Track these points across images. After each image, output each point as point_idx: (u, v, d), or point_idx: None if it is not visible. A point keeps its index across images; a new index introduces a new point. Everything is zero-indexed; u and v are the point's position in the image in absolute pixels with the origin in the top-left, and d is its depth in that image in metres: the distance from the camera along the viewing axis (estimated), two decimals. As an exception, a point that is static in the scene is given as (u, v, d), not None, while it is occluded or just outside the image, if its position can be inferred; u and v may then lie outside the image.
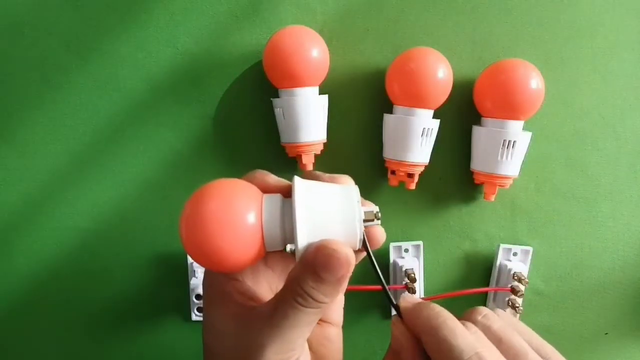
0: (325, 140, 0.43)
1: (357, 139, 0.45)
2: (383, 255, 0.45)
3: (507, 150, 0.41)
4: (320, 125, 0.42)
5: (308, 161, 0.43)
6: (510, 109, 0.40)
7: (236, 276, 0.29)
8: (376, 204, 0.46)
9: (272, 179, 0.28)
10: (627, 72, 0.44)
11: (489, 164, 0.42)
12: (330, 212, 0.25)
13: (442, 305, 0.46)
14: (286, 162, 0.45)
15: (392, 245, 0.45)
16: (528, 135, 0.41)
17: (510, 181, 0.42)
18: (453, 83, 0.41)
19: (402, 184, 0.43)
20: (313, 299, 0.25)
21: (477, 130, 0.42)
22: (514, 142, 0.40)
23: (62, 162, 0.44)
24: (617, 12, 0.43)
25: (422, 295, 0.46)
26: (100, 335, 0.47)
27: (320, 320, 0.30)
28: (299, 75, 0.40)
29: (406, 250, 0.45)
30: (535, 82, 0.40)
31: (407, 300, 0.28)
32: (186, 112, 0.44)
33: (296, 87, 0.40)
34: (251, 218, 0.24)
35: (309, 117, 0.41)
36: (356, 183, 0.45)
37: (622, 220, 0.46)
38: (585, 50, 0.44)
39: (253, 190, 0.26)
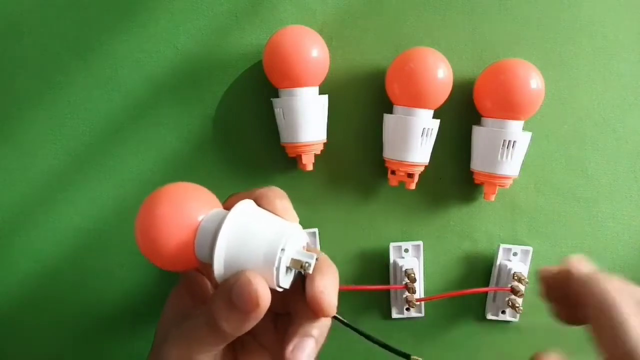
0: (325, 140, 0.43)
1: (357, 139, 0.45)
2: (383, 255, 0.45)
3: (507, 150, 0.41)
4: (320, 125, 0.42)
5: (308, 161, 0.43)
6: (510, 109, 0.40)
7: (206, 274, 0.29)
8: (376, 204, 0.47)
9: (275, 203, 0.27)
10: (627, 72, 0.44)
11: (489, 164, 0.42)
12: (257, 247, 0.25)
13: (442, 305, 0.47)
14: (286, 162, 0.45)
15: (392, 245, 0.45)
16: (528, 135, 0.41)
17: (510, 181, 0.42)
18: (453, 83, 0.41)
19: (402, 184, 0.43)
20: (217, 322, 0.24)
21: (477, 130, 0.42)
22: (514, 142, 0.40)
23: (62, 162, 0.44)
24: (617, 12, 0.43)
25: (422, 295, 0.46)
26: (100, 335, 0.47)
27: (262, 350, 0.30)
28: (299, 75, 0.40)
29: (406, 250, 0.45)
30: (535, 82, 0.40)
31: (581, 264, 0.26)
32: (186, 112, 0.44)
33: (296, 87, 0.40)
34: (186, 227, 0.26)
35: (309, 117, 0.41)
36: (356, 183, 0.45)
37: (622, 220, 0.46)
38: (585, 50, 0.44)
39: (206, 200, 0.27)
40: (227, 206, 0.27)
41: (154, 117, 0.44)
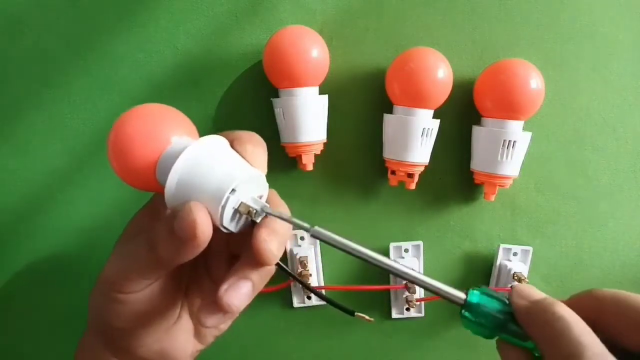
0: (325, 140, 0.43)
1: (357, 139, 0.45)
2: (383, 255, 0.45)
3: (507, 150, 0.41)
4: (320, 125, 0.42)
5: (308, 161, 0.42)
6: (510, 109, 0.40)
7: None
8: (376, 204, 0.47)
9: (245, 147, 0.27)
10: (627, 72, 0.44)
11: (489, 164, 0.42)
12: (209, 182, 0.24)
13: (441, 305, 0.47)
14: (286, 162, 0.45)
15: (392, 245, 0.45)
16: (528, 135, 0.41)
17: (510, 181, 0.42)
18: (453, 83, 0.41)
19: (402, 184, 0.43)
20: (155, 246, 0.25)
21: (477, 130, 0.42)
22: (514, 142, 0.40)
23: (62, 162, 0.44)
24: (617, 12, 0.43)
25: (422, 295, 0.46)
26: (100, 335, 0.47)
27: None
28: (299, 75, 0.40)
29: (406, 250, 0.45)
30: (535, 82, 0.40)
31: (521, 294, 0.24)
32: (186, 112, 0.44)
33: (296, 87, 0.40)
34: (155, 147, 0.26)
35: (309, 117, 0.41)
36: (356, 183, 0.45)
37: (622, 220, 0.45)
38: (585, 50, 0.44)
39: (180, 125, 0.27)
40: None
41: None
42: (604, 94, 0.44)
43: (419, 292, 0.45)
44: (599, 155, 0.45)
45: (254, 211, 0.25)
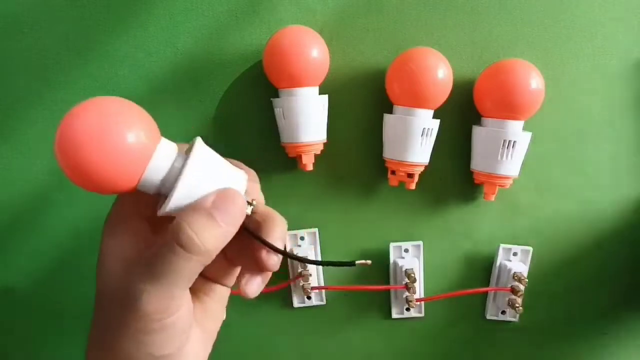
0: (325, 140, 0.43)
1: (357, 139, 0.45)
2: (383, 255, 0.45)
3: (507, 150, 0.41)
4: (320, 125, 0.42)
5: (308, 161, 0.42)
6: (510, 109, 0.40)
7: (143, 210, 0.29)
8: (376, 204, 0.47)
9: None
10: (627, 72, 0.44)
11: (489, 164, 0.42)
12: (212, 187, 0.26)
13: (442, 305, 0.47)
14: (286, 162, 0.45)
15: (392, 245, 0.45)
16: (528, 135, 0.41)
17: (510, 181, 0.42)
18: (453, 83, 0.41)
19: (402, 184, 0.43)
20: (199, 241, 0.24)
21: (477, 130, 0.42)
22: (514, 142, 0.40)
23: (62, 162, 0.44)
24: (617, 12, 0.43)
25: (422, 295, 0.46)
26: (100, 335, 0.47)
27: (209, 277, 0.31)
28: (299, 75, 0.40)
29: (406, 250, 0.45)
30: (535, 82, 0.40)
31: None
32: (186, 112, 0.44)
33: (296, 87, 0.40)
34: (139, 147, 0.24)
35: (309, 117, 0.41)
36: (356, 183, 0.45)
37: (622, 220, 0.45)
38: (585, 50, 0.44)
39: (150, 126, 0.26)
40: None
41: (154, 117, 0.44)
42: (604, 94, 0.44)
43: (419, 292, 0.45)
44: (599, 155, 0.45)
45: (252, 201, 0.27)
